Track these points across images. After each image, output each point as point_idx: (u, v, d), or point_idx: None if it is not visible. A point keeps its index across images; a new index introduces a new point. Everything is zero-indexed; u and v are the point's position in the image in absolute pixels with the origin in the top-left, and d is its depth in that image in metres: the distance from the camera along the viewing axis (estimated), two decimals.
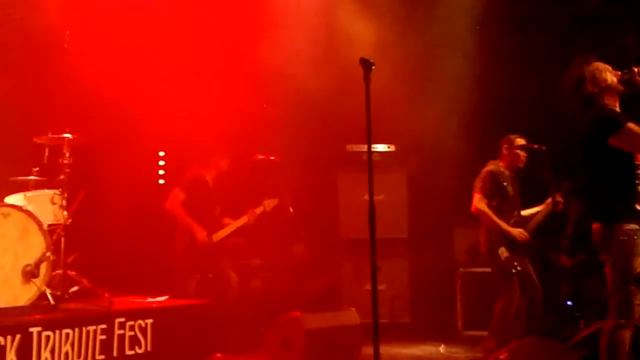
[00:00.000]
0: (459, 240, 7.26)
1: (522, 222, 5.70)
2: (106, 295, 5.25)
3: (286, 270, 6.96)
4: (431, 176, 7.57)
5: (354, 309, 5.87)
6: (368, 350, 5.65)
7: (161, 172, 7.91)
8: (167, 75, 6.91)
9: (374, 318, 3.72)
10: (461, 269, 7.06)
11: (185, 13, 6.94)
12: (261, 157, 6.48)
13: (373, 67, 3.78)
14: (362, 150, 7.38)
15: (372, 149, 7.33)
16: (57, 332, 4.41)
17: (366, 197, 7.13)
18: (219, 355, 5.64)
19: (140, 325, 4.98)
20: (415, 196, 7.51)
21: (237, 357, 5.68)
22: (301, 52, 6.72)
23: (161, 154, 7.96)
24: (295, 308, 5.65)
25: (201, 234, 5.96)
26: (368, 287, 7.09)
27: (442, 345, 6.48)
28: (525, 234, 5.59)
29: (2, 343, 4.07)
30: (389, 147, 7.53)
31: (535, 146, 5.67)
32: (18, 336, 4.17)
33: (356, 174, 7.33)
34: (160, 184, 7.80)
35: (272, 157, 6.50)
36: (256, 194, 6.44)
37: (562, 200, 5.68)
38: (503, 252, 5.52)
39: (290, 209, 6.45)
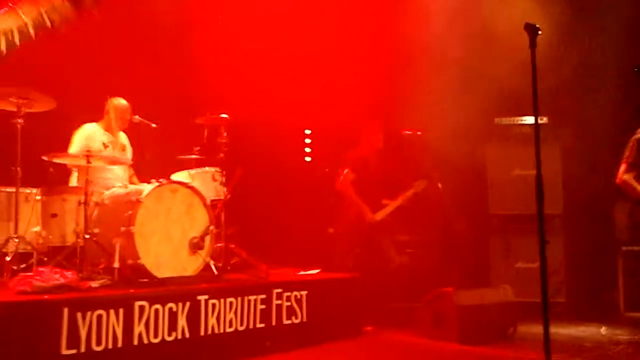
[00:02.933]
0: (620, 215, 6.80)
1: None
2: (263, 267, 5.50)
3: (438, 247, 6.90)
4: (587, 149, 7.13)
5: (508, 286, 5.71)
6: (524, 328, 5.54)
7: (307, 149, 8.10)
8: (314, 53, 7.03)
9: (543, 297, 3.56)
10: (623, 248, 6.62)
11: None
12: (408, 132, 6.44)
13: (539, 33, 3.59)
14: (512, 123, 7.10)
15: (523, 122, 7.12)
16: (222, 300, 4.67)
17: (517, 171, 6.98)
18: (370, 328, 5.72)
19: (296, 296, 5.16)
20: (570, 170, 7.11)
21: (388, 331, 5.73)
22: (448, 24, 6.56)
23: (307, 132, 8.14)
24: (446, 284, 5.59)
25: (369, 215, 6.13)
26: (520, 264, 6.86)
27: (603, 327, 6.13)
28: None
29: (174, 309, 4.38)
30: (541, 119, 7.18)
31: None
32: (188, 303, 4.47)
33: (505, 148, 7.08)
34: (307, 161, 7.99)
35: (418, 133, 6.45)
36: (405, 171, 6.43)
37: None
38: None
39: (439, 185, 6.37)
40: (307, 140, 8.17)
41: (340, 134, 6.88)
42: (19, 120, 5.04)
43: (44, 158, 5.14)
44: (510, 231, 6.91)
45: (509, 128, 7.05)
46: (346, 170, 6.26)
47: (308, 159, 8.06)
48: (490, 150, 7.31)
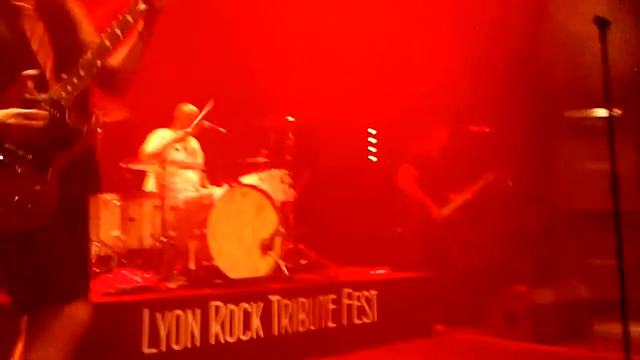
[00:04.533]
0: None
1: None
2: (332, 267, 5.56)
3: (508, 243, 6.79)
4: None
5: (581, 283, 5.57)
6: (600, 327, 5.39)
7: (372, 149, 8.12)
8: (376, 52, 7.03)
9: (621, 294, 3.47)
10: None
11: None
12: (475, 129, 6.37)
13: (609, 25, 3.50)
14: (583, 116, 6.91)
15: (594, 114, 6.91)
16: (294, 300, 4.76)
17: (589, 166, 6.77)
18: (441, 327, 5.70)
19: (366, 296, 5.20)
20: None
21: (458, 330, 5.69)
22: (513, 17, 6.44)
23: (371, 131, 8.16)
24: (518, 282, 5.51)
25: (435, 210, 6.08)
26: (594, 260, 6.67)
27: None
28: None
29: (249, 310, 4.49)
30: (615, 112, 6.95)
31: None
32: (261, 304, 4.57)
33: (576, 141, 6.90)
34: (372, 160, 8.01)
35: (486, 129, 6.36)
36: (473, 167, 6.36)
37: None
38: None
39: (509, 182, 6.27)
40: (372, 140, 8.18)
41: (405, 132, 6.86)
42: (97, 130, 5.26)
43: (121, 165, 5.36)
44: (582, 227, 6.72)
45: (580, 121, 6.86)
46: (406, 167, 6.22)
47: (373, 158, 8.08)
48: (560, 144, 7.13)
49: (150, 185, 5.95)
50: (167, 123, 6.10)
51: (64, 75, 2.29)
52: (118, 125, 5.57)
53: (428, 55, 6.69)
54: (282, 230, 5.25)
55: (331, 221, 6.93)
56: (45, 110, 2.22)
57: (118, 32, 2.35)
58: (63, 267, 2.30)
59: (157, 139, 5.92)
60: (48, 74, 2.31)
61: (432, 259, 6.03)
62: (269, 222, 5.24)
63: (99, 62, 2.32)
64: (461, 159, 6.68)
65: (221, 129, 6.11)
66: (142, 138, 5.97)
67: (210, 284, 4.76)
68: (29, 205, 2.19)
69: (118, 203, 5.50)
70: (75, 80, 2.28)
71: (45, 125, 2.21)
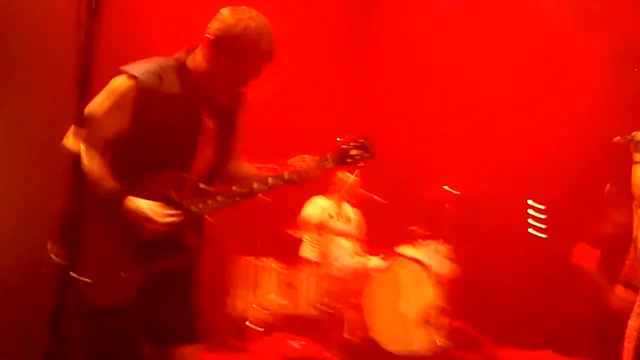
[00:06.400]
0: None
1: None
2: (491, 346, 5.25)
3: None
4: None
5: None
6: None
7: (534, 223, 7.71)
8: (535, 123, 6.75)
9: None
10: None
11: None
12: None
13: None
14: None
15: None
16: None
17: None
18: None
19: None
20: None
21: None
22: None
23: (531, 203, 7.77)
24: None
25: (612, 297, 5.54)
26: None
27: None
28: None
29: None
30: None
31: None
32: None
33: None
34: (534, 235, 7.59)
35: None
36: None
37: None
38: None
39: None
40: (532, 212, 7.78)
41: (566, 205, 6.45)
42: (260, 195, 5.47)
43: (281, 230, 5.51)
44: None
45: None
46: (584, 246, 5.78)
47: (535, 232, 7.65)
48: None
49: (306, 251, 6.04)
50: (324, 189, 6.21)
51: (201, 185, 2.36)
52: (278, 190, 5.75)
53: (607, 119, 6.21)
54: (440, 304, 5.07)
55: (491, 297, 6.58)
56: (180, 218, 2.30)
57: (270, 181, 2.46)
58: (193, 311, 2.45)
59: (315, 207, 6.02)
60: (190, 185, 2.37)
61: (603, 347, 5.49)
62: (427, 296, 5.09)
63: (238, 198, 2.40)
64: None
65: (376, 197, 6.12)
66: (299, 204, 6.10)
67: (364, 356, 4.66)
68: (115, 284, 2.27)
69: (276, 267, 5.62)
70: (210, 202, 2.36)
71: (166, 230, 2.28)
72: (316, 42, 6.66)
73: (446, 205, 5.87)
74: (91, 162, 2.25)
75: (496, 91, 6.89)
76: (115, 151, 2.37)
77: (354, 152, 2.57)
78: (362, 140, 2.62)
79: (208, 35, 2.36)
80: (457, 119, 6.93)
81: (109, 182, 2.27)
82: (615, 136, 3.45)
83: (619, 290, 5.42)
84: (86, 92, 1.59)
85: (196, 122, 2.40)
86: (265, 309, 5.28)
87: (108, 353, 2.32)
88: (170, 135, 2.34)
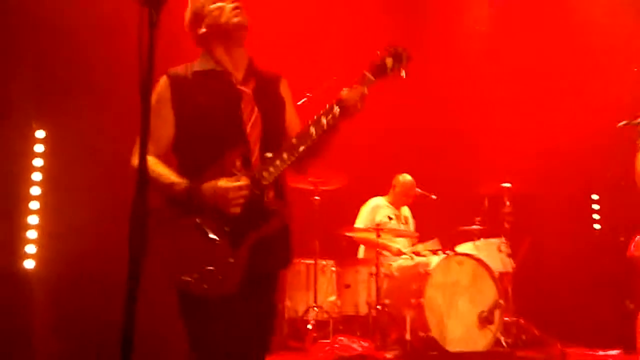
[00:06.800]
0: None
1: None
2: (557, 345, 5.13)
3: None
4: None
5: None
6: None
7: (596, 216, 7.49)
8: (598, 116, 6.57)
9: None
10: None
11: None
12: None
13: None
14: None
15: None
16: None
17: None
18: None
19: None
20: None
21: None
22: None
23: (595, 197, 7.56)
24: None
25: None
26: None
27: None
28: None
29: None
30: None
31: None
32: None
33: None
34: (596, 229, 7.38)
35: None
36: None
37: None
38: None
39: None
40: (595, 207, 7.57)
41: (630, 198, 6.23)
42: (316, 197, 5.53)
43: (338, 232, 5.53)
44: None
45: None
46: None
47: (597, 226, 7.44)
48: None
49: (363, 252, 6.03)
50: (383, 191, 6.19)
51: (268, 155, 2.40)
52: (336, 192, 5.78)
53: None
54: (501, 302, 4.99)
55: (554, 294, 6.42)
56: (250, 187, 2.34)
57: (323, 121, 2.43)
58: (246, 334, 2.40)
59: (372, 208, 6.01)
60: (255, 154, 2.43)
61: None
62: (487, 294, 5.01)
63: (301, 148, 2.41)
64: None
65: (433, 195, 6.08)
66: (358, 205, 6.11)
67: (426, 356, 4.63)
68: (220, 277, 2.30)
69: (334, 269, 5.64)
70: (278, 162, 2.38)
71: (245, 200, 2.33)
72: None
73: (506, 201, 5.78)
74: (157, 169, 2.35)
75: (553, 86, 6.75)
76: (177, 151, 2.48)
77: (388, 61, 2.50)
78: (394, 48, 2.52)
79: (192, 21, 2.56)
80: (513, 114, 6.80)
81: (179, 181, 2.35)
82: None
83: None
84: (148, 105, 1.64)
85: (233, 91, 2.49)
86: (325, 311, 5.31)
87: (225, 343, 2.35)
88: (213, 112, 2.44)
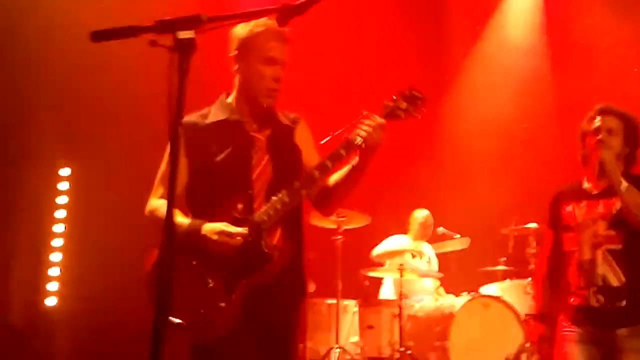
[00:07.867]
0: None
1: None
2: None
3: None
4: None
5: None
6: None
7: None
8: None
9: None
10: None
11: None
12: None
13: None
14: None
15: None
16: None
17: None
18: None
19: None
20: None
21: None
22: None
23: None
24: None
25: None
26: None
27: None
28: None
29: None
30: None
31: None
32: None
33: None
34: None
35: None
36: None
37: None
38: None
39: None
40: None
41: None
42: (339, 237, 5.48)
43: (361, 272, 5.46)
44: None
45: None
46: None
47: None
48: None
49: (387, 292, 5.94)
50: (405, 230, 6.14)
51: (273, 198, 2.39)
52: (359, 232, 5.73)
53: None
54: (529, 346, 4.85)
55: None
56: (246, 232, 2.33)
57: (328, 164, 2.41)
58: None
59: (395, 246, 5.94)
60: (258, 199, 2.42)
61: None
62: (514, 337, 4.88)
63: (304, 192, 2.40)
64: None
65: (455, 235, 6.01)
66: (379, 243, 6.05)
67: None
68: (210, 320, 2.28)
69: (356, 309, 5.55)
70: (278, 206, 2.37)
71: (241, 245, 2.31)
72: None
73: (531, 242, 5.67)
74: (164, 209, 2.35)
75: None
76: (189, 197, 2.49)
77: (402, 104, 2.48)
78: (408, 91, 2.49)
79: (231, 55, 2.54)
80: (538, 153, 6.74)
81: (182, 222, 2.37)
82: None
83: None
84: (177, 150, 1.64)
85: (245, 138, 2.50)
86: (347, 353, 5.21)
87: None
88: (224, 159, 2.44)
